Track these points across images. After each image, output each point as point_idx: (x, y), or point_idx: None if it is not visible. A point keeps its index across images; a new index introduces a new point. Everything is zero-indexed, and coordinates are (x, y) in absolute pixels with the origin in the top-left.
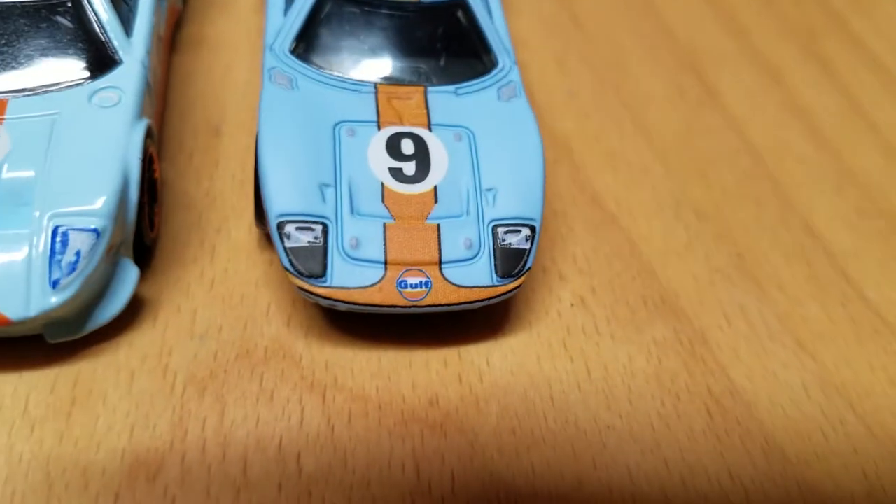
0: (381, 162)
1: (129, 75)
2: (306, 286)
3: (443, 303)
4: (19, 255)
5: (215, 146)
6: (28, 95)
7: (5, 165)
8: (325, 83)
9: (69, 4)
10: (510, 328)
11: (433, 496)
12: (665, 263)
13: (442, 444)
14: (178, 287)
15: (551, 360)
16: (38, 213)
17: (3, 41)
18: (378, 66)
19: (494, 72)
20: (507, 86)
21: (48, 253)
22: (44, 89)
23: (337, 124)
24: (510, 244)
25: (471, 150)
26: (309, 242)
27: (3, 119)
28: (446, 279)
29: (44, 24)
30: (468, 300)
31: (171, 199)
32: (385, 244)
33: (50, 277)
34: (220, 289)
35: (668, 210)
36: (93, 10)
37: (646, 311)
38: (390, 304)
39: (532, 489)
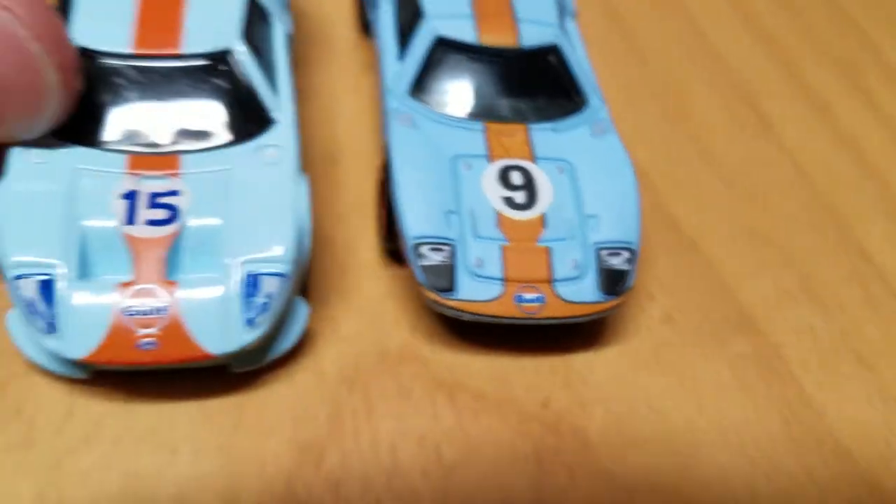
0: (495, 191)
1: (284, 132)
2: (438, 299)
3: (555, 316)
4: (218, 296)
5: (335, 174)
6: (197, 152)
7: (191, 216)
8: (441, 122)
9: (222, 66)
10: (607, 341)
11: (556, 486)
12: (739, 285)
13: (557, 441)
14: (322, 300)
15: (646, 370)
16: (229, 260)
17: (167, 101)
18: (485, 106)
19: (586, 110)
20: (599, 122)
21: (243, 295)
22: (211, 146)
23: (454, 158)
24: (612, 265)
25: (572, 181)
26: (440, 261)
27: (179, 173)
28: (558, 295)
29: (203, 85)
30: (577, 315)
31: None
32: (503, 263)
33: (246, 317)
34: (354, 301)
35: (740, 236)
36: (245, 71)
37: (727, 328)
38: (510, 315)
39: (640, 484)
